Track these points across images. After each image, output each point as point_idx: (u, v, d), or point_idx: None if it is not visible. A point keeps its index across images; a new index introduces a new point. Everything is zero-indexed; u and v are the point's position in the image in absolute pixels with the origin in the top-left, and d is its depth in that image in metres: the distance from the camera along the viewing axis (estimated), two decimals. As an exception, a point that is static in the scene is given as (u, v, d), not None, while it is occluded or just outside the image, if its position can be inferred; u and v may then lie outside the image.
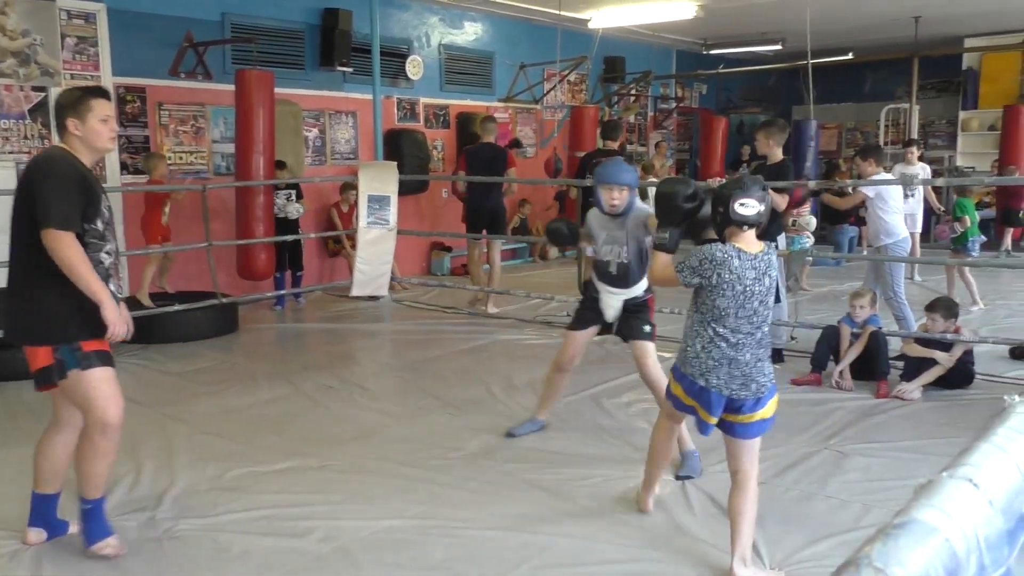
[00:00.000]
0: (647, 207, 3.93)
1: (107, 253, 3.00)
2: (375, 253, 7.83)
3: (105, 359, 2.96)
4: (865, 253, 6.34)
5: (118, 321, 2.90)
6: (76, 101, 2.98)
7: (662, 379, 3.72)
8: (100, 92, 3.08)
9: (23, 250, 2.92)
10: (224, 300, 6.92)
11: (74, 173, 2.91)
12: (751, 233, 2.88)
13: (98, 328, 2.89)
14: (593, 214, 4.13)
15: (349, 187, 8.71)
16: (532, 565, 3.01)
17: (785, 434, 4.37)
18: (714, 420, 2.95)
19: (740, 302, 2.82)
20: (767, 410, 2.92)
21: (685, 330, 3.01)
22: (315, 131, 9.16)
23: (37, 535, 3.18)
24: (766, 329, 2.92)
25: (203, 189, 6.96)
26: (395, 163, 8.33)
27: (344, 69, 9.00)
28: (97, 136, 3.00)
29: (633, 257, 3.97)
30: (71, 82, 7.07)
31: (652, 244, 3.31)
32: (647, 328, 4.03)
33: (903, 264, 6.17)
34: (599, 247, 4.05)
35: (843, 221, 10.68)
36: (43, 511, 3.18)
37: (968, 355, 5.19)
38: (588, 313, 4.18)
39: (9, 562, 3.05)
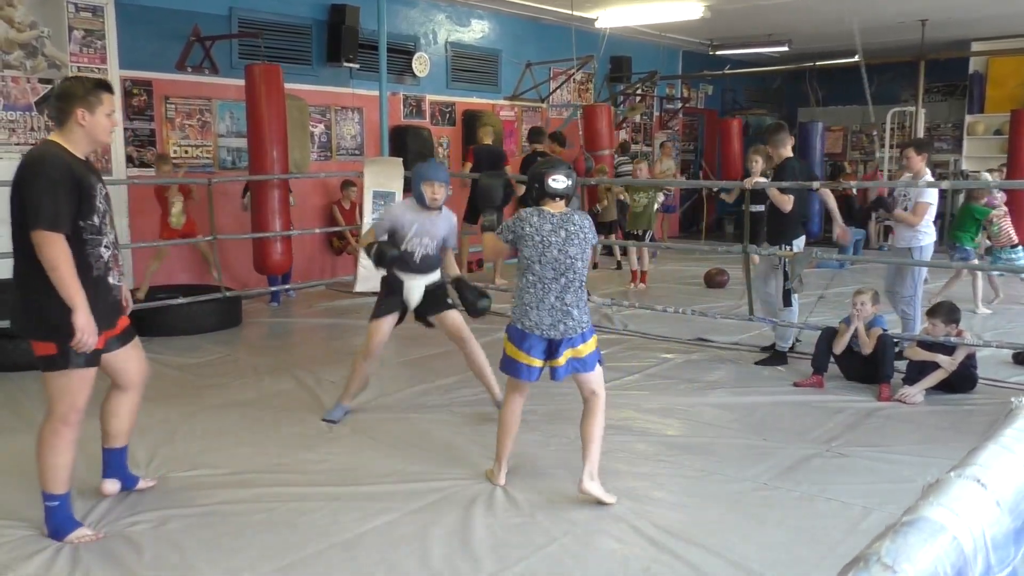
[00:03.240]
0: (452, 214, 4.56)
1: (105, 247, 3.08)
2: (379, 249, 7.83)
3: (91, 359, 3.04)
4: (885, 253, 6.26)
5: (87, 329, 2.93)
6: (88, 93, 3.03)
7: (481, 354, 4.55)
8: (109, 87, 3.14)
9: (21, 249, 2.96)
10: (228, 294, 6.93)
11: (64, 173, 2.91)
12: (560, 203, 3.49)
13: None
14: (404, 206, 4.48)
15: (349, 184, 8.73)
16: (531, 562, 3.01)
17: (786, 436, 4.38)
18: (538, 363, 3.48)
19: (540, 250, 3.40)
20: (588, 346, 3.48)
21: (515, 291, 3.56)
22: (321, 127, 9.16)
23: (112, 485, 3.49)
24: (572, 276, 3.42)
25: (208, 183, 6.96)
26: (400, 159, 8.33)
27: (351, 65, 9.02)
28: (101, 129, 3.07)
29: (436, 248, 4.46)
30: (78, 75, 7.08)
31: (481, 228, 3.81)
32: (450, 301, 4.55)
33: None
34: (407, 238, 4.35)
35: (850, 222, 10.54)
36: (116, 464, 3.49)
37: (971, 359, 5.16)
38: (390, 302, 4.50)
39: (12, 552, 3.06)
